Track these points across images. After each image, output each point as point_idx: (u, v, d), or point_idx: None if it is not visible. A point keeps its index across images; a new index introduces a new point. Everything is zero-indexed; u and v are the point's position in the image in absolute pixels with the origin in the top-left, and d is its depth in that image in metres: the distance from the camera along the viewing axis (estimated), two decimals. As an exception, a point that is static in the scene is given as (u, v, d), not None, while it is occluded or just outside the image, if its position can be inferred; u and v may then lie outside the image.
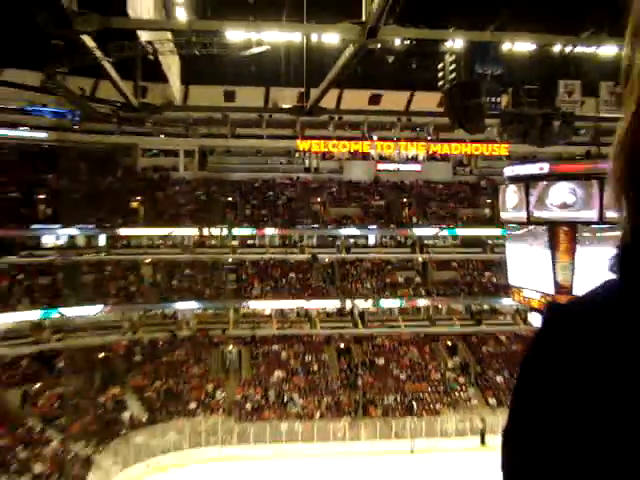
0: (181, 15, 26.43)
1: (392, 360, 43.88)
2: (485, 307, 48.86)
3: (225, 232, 46.55)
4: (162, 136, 49.50)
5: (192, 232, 46.51)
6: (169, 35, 28.72)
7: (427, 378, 42.90)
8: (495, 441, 37.17)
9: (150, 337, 42.57)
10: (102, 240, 45.25)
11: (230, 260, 47.62)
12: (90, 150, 45.68)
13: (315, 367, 42.68)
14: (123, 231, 44.89)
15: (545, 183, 22.61)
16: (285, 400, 39.55)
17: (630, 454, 0.86)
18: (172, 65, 34.26)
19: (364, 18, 13.22)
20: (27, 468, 28.90)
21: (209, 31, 27.60)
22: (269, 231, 48.34)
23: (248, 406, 38.69)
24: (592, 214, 20.93)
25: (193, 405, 37.86)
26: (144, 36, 28.36)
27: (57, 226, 42.40)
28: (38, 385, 35.60)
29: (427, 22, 23.58)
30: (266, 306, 46.32)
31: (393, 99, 48.35)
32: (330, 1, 21.59)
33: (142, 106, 34.40)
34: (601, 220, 20.81)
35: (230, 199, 48.93)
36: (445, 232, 50.03)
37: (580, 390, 0.94)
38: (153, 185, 48.12)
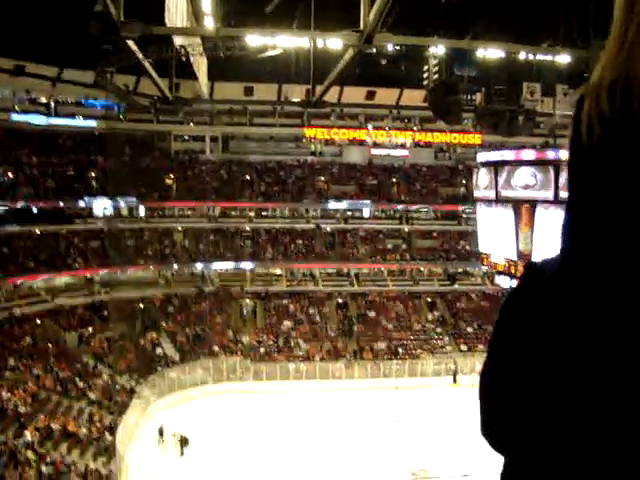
0: (209, 23, 26.49)
1: (381, 313, 44.31)
2: (459, 270, 49.10)
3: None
4: (192, 124, 49.63)
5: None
6: (199, 40, 28.79)
7: (410, 328, 43.38)
8: (465, 380, 37.73)
9: (181, 292, 43.05)
10: (142, 211, 45.50)
11: (247, 228, 47.90)
12: (132, 136, 45.89)
13: (318, 318, 43.17)
14: (159, 203, 45.25)
15: (510, 167, 22.77)
16: (292, 345, 40.09)
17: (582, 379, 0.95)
18: (201, 65, 34.32)
19: (362, 27, 13.41)
20: (84, 395, 29.60)
21: (232, 37, 27.68)
22: (280, 204, 48.64)
23: (262, 350, 39.31)
24: (549, 194, 21.17)
25: (216, 348, 38.44)
26: (178, 40, 28.47)
27: (105, 199, 42.69)
28: (90, 329, 36.30)
29: (415, 31, 23.66)
30: (278, 267, 46.64)
31: (386, 95, 48.34)
32: (334, 12, 21.69)
33: (175, 99, 34.51)
34: (556, 199, 21.06)
35: (248, 177, 49.07)
36: (428, 207, 50.24)
37: (543, 327, 1.03)
38: (184, 165, 48.34)
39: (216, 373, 36.24)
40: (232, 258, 45.28)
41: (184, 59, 31.15)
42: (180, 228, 46.40)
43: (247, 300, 43.89)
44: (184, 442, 27.18)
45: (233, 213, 48.53)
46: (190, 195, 46.00)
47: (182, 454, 26.83)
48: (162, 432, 28.03)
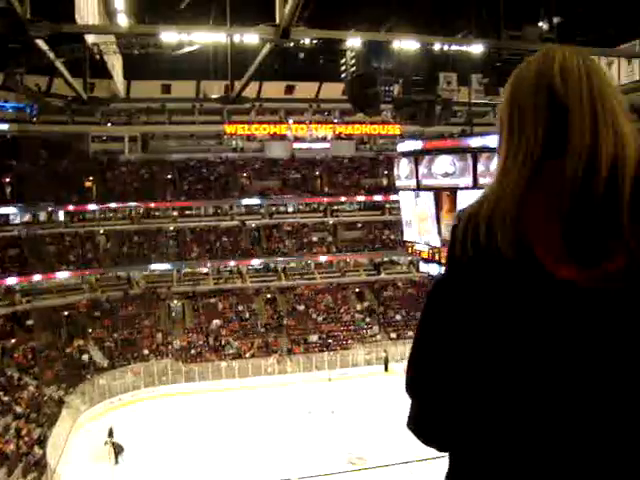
0: (122, 20, 25.79)
1: (310, 306, 44.47)
2: (385, 259, 49.74)
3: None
4: (109, 124, 48.36)
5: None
6: (112, 37, 28.01)
7: (340, 320, 43.68)
8: (396, 368, 38.27)
9: (107, 296, 42.04)
10: (61, 215, 44.15)
11: (171, 228, 47.19)
12: (47, 138, 44.27)
13: (247, 315, 42.98)
14: (79, 207, 44.06)
15: (430, 156, 23.10)
16: (223, 343, 39.78)
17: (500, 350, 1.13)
18: (116, 63, 33.39)
19: (278, 21, 13.32)
20: (9, 409, 28.52)
21: (146, 34, 27.06)
22: (203, 202, 48.18)
23: (192, 350, 38.82)
24: (468, 181, 21.59)
25: (146, 351, 37.79)
26: (90, 39, 27.59)
27: (22, 205, 41.24)
28: (13, 341, 34.92)
29: (331, 24, 23.71)
30: (204, 266, 46.15)
31: (305, 89, 48.32)
32: (249, 6, 21.48)
33: (91, 99, 33.48)
34: (475, 185, 21.49)
35: (169, 176, 48.30)
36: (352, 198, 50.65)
37: (467, 315, 1.19)
38: (103, 167, 47.06)
39: (147, 377, 35.58)
40: (157, 259, 44.52)
41: (98, 58, 30.26)
42: (102, 231, 45.27)
43: (175, 301, 43.25)
44: (118, 450, 26.57)
45: (156, 213, 47.69)
46: (111, 197, 44.85)
47: (117, 462, 26.21)
48: (112, 433, 27.51)
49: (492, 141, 21.28)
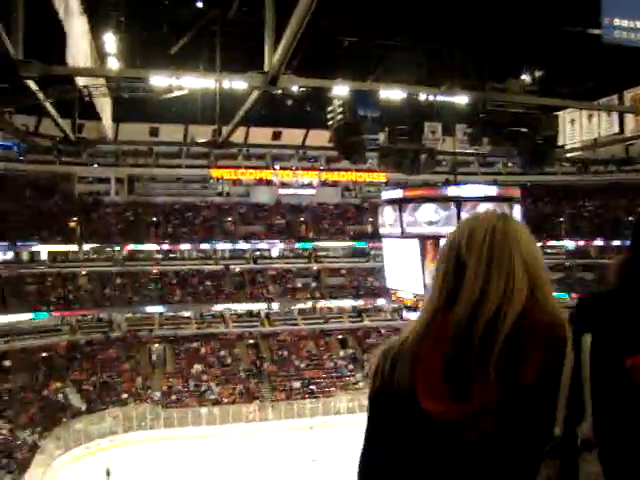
0: (113, 63, 26.11)
1: (293, 352, 44.16)
2: (369, 306, 49.69)
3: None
4: (96, 165, 48.52)
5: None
6: (102, 80, 28.31)
7: (322, 366, 43.38)
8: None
9: (87, 338, 41.55)
10: (44, 255, 43.92)
11: (155, 271, 47.02)
12: (34, 178, 44.38)
13: (229, 360, 42.57)
14: (63, 247, 43.89)
15: (414, 204, 23.28)
16: (204, 389, 39.31)
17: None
18: (105, 105, 33.67)
19: (266, 69, 13.59)
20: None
21: (137, 77, 27.38)
22: (188, 246, 48.15)
23: (172, 395, 38.31)
24: (452, 229, 21.73)
25: (125, 395, 37.23)
26: (81, 81, 27.86)
27: (4, 243, 41.02)
28: (-12, 382, 34.37)
29: (319, 72, 24.15)
30: (187, 309, 45.86)
31: (292, 135, 48.83)
32: (239, 54, 21.86)
33: (79, 140, 33.70)
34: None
35: (154, 219, 48.33)
36: (335, 244, 50.81)
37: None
38: (88, 208, 47.04)
39: (126, 422, 34.97)
40: (140, 302, 44.24)
41: (87, 99, 30.52)
42: (85, 272, 45.03)
43: (156, 344, 42.83)
44: None
45: (140, 256, 47.57)
46: (95, 238, 44.76)
47: None
48: (109, 473, 27.82)
49: (469, 190, 21.53)
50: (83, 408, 35.41)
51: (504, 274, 1.34)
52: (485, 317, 1.31)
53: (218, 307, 46.16)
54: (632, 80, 19.45)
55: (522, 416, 1.25)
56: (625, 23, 10.27)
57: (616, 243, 51.01)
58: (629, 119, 19.43)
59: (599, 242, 51.70)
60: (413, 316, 24.53)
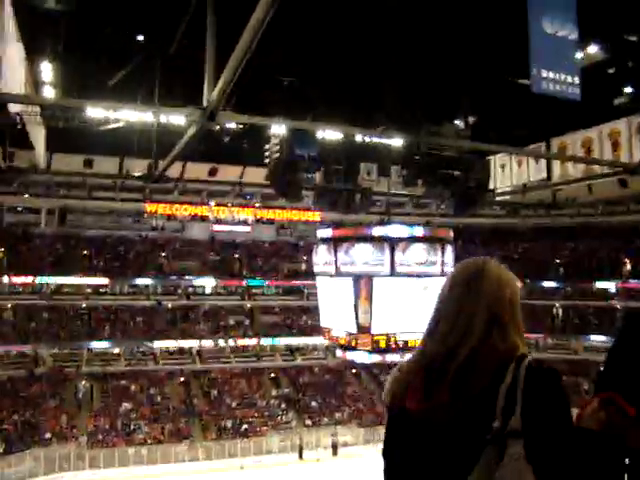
0: (49, 92, 25.71)
1: (225, 391, 43.56)
2: (302, 345, 49.57)
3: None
4: (26, 196, 47.29)
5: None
6: (37, 108, 27.77)
7: (254, 405, 42.89)
8: (310, 455, 37.69)
9: (8, 374, 39.96)
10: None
11: (84, 305, 45.84)
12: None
13: (159, 399, 41.64)
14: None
15: (348, 243, 23.46)
16: (132, 428, 38.24)
17: None
18: (38, 134, 32.95)
19: (205, 104, 13.62)
20: None
21: (72, 107, 26.97)
22: (119, 281, 47.21)
23: (99, 435, 37.08)
24: (385, 269, 21.97)
25: (48, 435, 35.80)
26: (14, 108, 27.29)
27: None
28: None
29: (257, 110, 24.33)
30: (116, 346, 44.74)
31: (228, 172, 48.81)
32: (178, 88, 21.85)
33: (9, 169, 32.88)
34: (392, 273, 21.89)
35: (85, 252, 47.28)
36: (269, 282, 50.61)
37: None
38: (17, 238, 45.68)
39: (48, 463, 33.54)
40: (67, 337, 42.97)
41: (20, 127, 29.85)
42: (10, 305, 43.54)
43: (83, 382, 41.52)
44: None
45: (69, 290, 46.34)
46: (23, 270, 43.42)
47: None
48: None
49: (393, 230, 21.82)
50: (1, 449, 33.83)
51: (466, 316, 1.85)
52: (446, 350, 1.85)
53: (149, 344, 45.27)
54: (559, 129, 20.30)
55: (469, 413, 1.75)
56: (552, 75, 10.76)
57: (543, 284, 52.59)
58: (556, 166, 20.20)
59: (527, 283, 53.07)
60: (347, 355, 24.59)
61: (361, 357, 22.41)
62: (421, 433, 1.85)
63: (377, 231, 22.86)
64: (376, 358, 22.89)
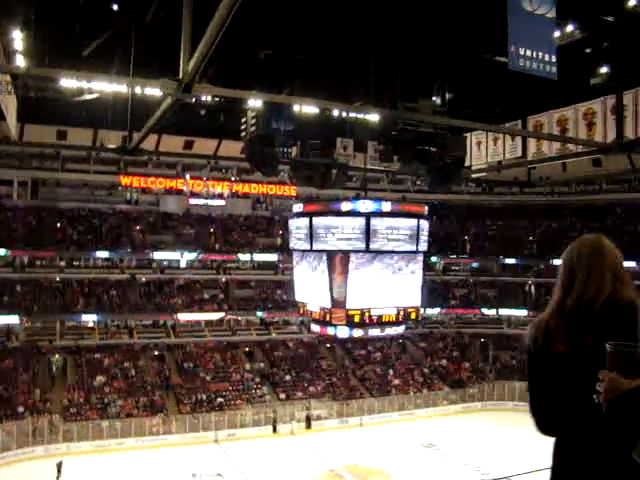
0: (20, 61, 25.20)
1: (199, 365, 43.62)
2: (276, 319, 49.72)
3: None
4: (-3, 167, 46.44)
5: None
6: (8, 77, 27.23)
7: (229, 379, 43.01)
8: (284, 429, 38.00)
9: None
10: None
11: (58, 279, 45.44)
12: None
13: (133, 372, 41.56)
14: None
15: (324, 218, 23.49)
16: (106, 401, 38.17)
17: None
18: (10, 104, 32.31)
19: (181, 76, 13.44)
20: None
21: (45, 77, 26.50)
22: (93, 254, 46.79)
23: (72, 408, 36.97)
24: (361, 244, 22.09)
25: (21, 409, 35.59)
26: (-17, 78, 26.72)
27: None
28: None
29: (234, 83, 24.06)
30: (88, 319, 44.48)
31: (204, 145, 48.45)
32: (154, 60, 21.51)
33: (-21, 141, 32.31)
34: (367, 249, 22.01)
35: (59, 225, 46.74)
36: (245, 257, 50.51)
37: None
38: (-13, 211, 44.97)
39: (21, 437, 33.43)
40: (40, 310, 42.62)
41: (-10, 98, 29.24)
42: (-20, 279, 43.07)
43: (56, 355, 41.30)
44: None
45: (42, 263, 45.88)
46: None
47: None
48: (60, 468, 29.21)
49: (364, 206, 21.95)
50: (-26, 422, 33.64)
51: (597, 275, 2.34)
52: (585, 302, 2.32)
53: (123, 317, 45.11)
54: (535, 107, 20.36)
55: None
56: (529, 53, 10.78)
57: (516, 261, 53.14)
58: (531, 144, 20.29)
59: (501, 260, 53.68)
60: (320, 328, 24.73)
61: (341, 332, 22.54)
62: (568, 370, 2.27)
63: (347, 206, 22.95)
64: (356, 332, 23.04)
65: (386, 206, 22.93)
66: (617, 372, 1.98)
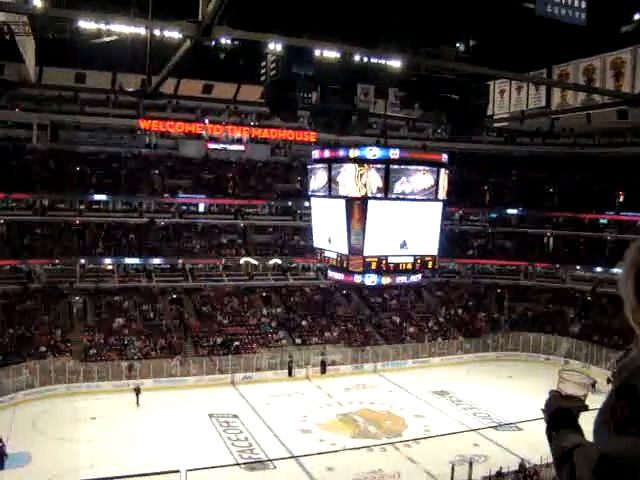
0: (37, 1, 24.90)
1: (217, 308, 44.10)
2: (294, 265, 49.95)
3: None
4: (17, 110, 46.34)
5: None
6: (25, 18, 26.91)
7: (245, 323, 43.50)
8: (299, 373, 38.54)
9: (3, 289, 40.20)
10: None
11: (77, 222, 45.78)
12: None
13: (151, 315, 42.15)
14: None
15: (344, 165, 23.31)
16: (125, 343, 38.83)
17: None
18: (28, 46, 32.10)
19: (200, 18, 13.20)
20: None
21: (63, 18, 26.17)
22: (112, 197, 47.02)
23: (93, 349, 37.67)
24: (379, 192, 21.88)
25: (43, 349, 36.33)
26: (0, 17, 26.43)
27: None
28: None
29: (254, 27, 23.69)
30: (109, 262, 44.97)
31: (223, 89, 48.07)
32: (173, 2, 21.22)
33: (-1, 82, 32.19)
34: (386, 196, 21.82)
35: (78, 169, 46.85)
36: (263, 202, 50.52)
37: None
38: (7, 154, 45.07)
39: (43, 375, 34.21)
40: (60, 253, 43.08)
41: (8, 38, 28.98)
42: (2, 221, 43.48)
43: (76, 297, 41.91)
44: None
45: (62, 206, 46.16)
46: (14, 186, 43.05)
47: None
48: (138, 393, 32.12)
49: (370, 153, 21.61)
50: (-2, 361, 34.38)
51: None
52: None
53: (141, 260, 45.54)
54: (561, 56, 19.87)
55: None
56: (558, -2, 10.44)
57: (536, 213, 52.74)
58: (556, 94, 19.84)
59: (520, 211, 53.34)
60: (337, 276, 24.80)
61: (368, 280, 22.54)
62: None
63: (339, 153, 22.61)
64: (384, 280, 23.02)
65: (396, 153, 22.55)
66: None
